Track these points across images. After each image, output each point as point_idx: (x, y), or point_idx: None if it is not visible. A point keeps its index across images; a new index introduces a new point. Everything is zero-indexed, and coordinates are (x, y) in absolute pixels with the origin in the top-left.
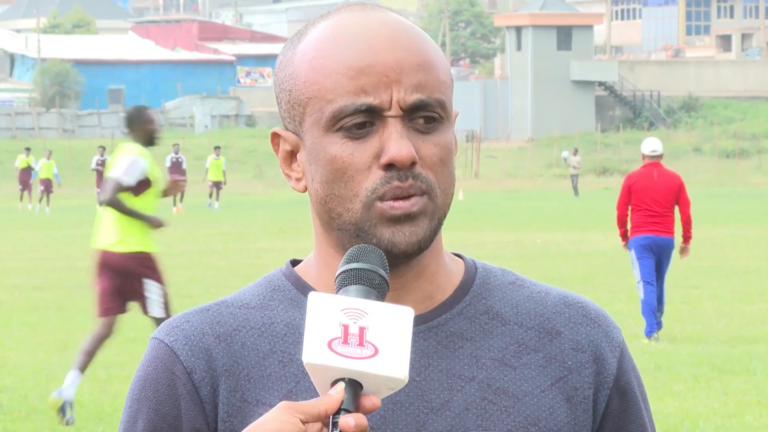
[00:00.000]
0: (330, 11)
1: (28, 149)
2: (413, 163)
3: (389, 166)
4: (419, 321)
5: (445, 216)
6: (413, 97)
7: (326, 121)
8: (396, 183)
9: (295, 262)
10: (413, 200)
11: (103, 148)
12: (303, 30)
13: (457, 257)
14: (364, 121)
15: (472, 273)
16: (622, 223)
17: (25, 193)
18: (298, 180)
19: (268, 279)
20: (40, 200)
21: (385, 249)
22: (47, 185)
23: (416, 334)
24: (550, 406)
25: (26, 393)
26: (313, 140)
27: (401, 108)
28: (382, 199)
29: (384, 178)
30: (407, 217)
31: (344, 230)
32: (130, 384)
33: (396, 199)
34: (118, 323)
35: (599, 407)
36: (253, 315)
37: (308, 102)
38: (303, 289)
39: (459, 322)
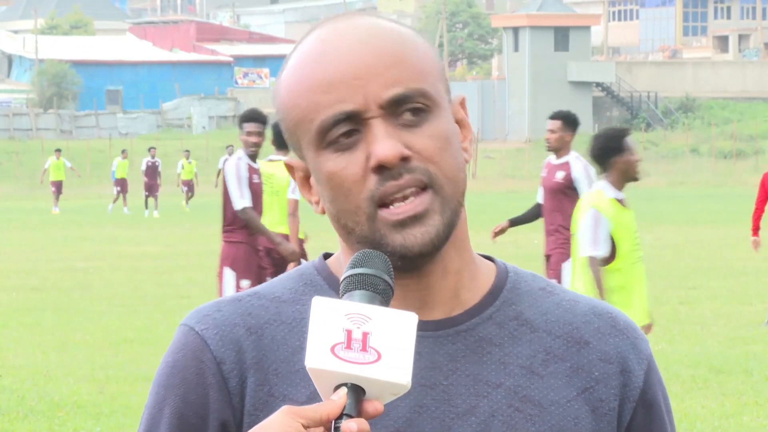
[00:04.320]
0: (309, 30)
1: (58, 150)
2: (406, 159)
3: (380, 168)
4: (447, 324)
5: (460, 205)
6: (389, 93)
7: (314, 140)
8: (391, 182)
9: (327, 255)
10: (417, 201)
11: (155, 149)
12: (286, 58)
13: (487, 260)
14: (348, 129)
15: (503, 277)
16: (754, 217)
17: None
18: (317, 203)
19: (300, 272)
20: (57, 201)
21: (400, 254)
22: (59, 186)
23: (444, 338)
24: (575, 416)
25: (24, 394)
26: (312, 162)
27: (380, 106)
28: (382, 204)
29: (378, 181)
30: (414, 219)
31: (361, 243)
32: (157, 369)
33: (395, 201)
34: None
35: (624, 420)
36: (285, 309)
37: (297, 126)
38: (335, 285)
39: (488, 327)
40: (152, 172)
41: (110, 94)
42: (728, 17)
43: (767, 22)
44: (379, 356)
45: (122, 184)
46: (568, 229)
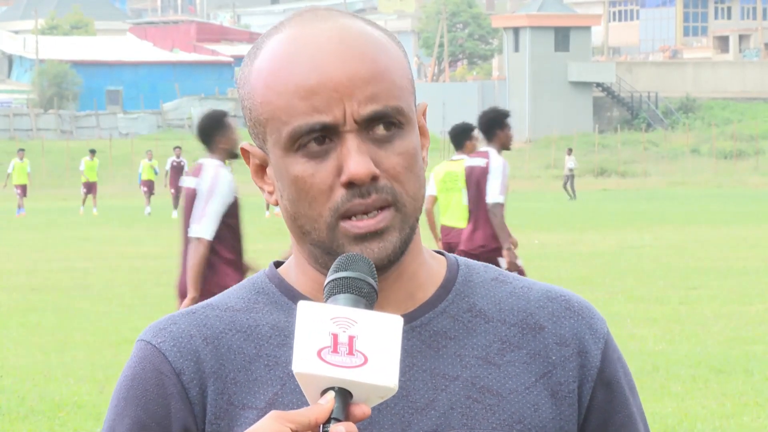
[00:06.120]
0: (283, 21)
1: (92, 151)
2: (375, 177)
3: (350, 184)
4: (403, 321)
5: (417, 220)
6: (367, 110)
7: (284, 142)
8: (358, 200)
9: (278, 264)
10: (379, 217)
11: (180, 149)
12: (259, 43)
13: (438, 255)
14: (320, 136)
15: (454, 271)
16: None
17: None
18: (270, 193)
19: (252, 281)
20: (84, 202)
21: None
22: (90, 187)
23: None
24: (534, 402)
25: (24, 394)
26: (276, 159)
27: (356, 122)
28: (345, 216)
29: (345, 196)
30: (374, 234)
31: (315, 246)
32: (116, 385)
33: (359, 217)
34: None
35: (584, 400)
36: (239, 318)
37: (266, 122)
38: (287, 292)
39: (442, 320)
40: (177, 171)
41: (110, 95)
42: (728, 17)
43: (767, 22)
44: (366, 360)
45: (149, 186)
46: None
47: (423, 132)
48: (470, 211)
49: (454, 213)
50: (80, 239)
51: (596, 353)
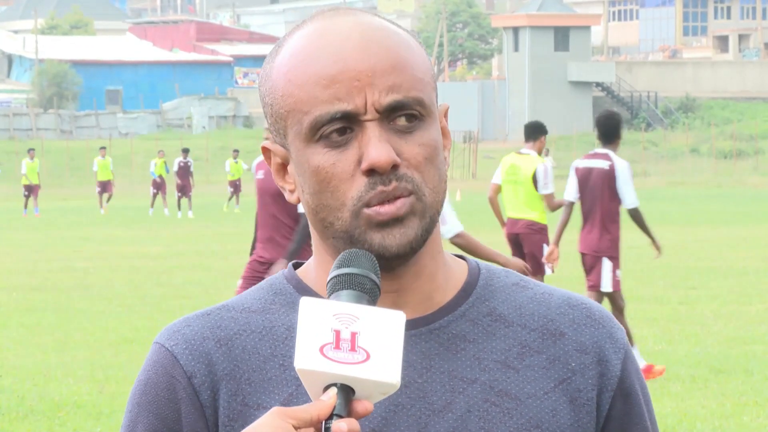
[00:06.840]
0: (305, 20)
1: (103, 148)
2: (395, 166)
3: (371, 172)
4: (421, 323)
5: (438, 213)
6: (388, 99)
7: (305, 132)
8: (380, 188)
9: (297, 265)
10: (399, 203)
11: (187, 150)
12: (280, 42)
13: (459, 259)
14: (342, 126)
15: (475, 275)
16: None
17: (104, 195)
18: (291, 192)
19: (270, 282)
20: (108, 200)
21: (377, 253)
22: (105, 186)
23: (418, 336)
24: (553, 408)
25: (24, 394)
26: (297, 152)
27: (377, 111)
28: (368, 205)
29: (368, 185)
30: (396, 221)
31: (338, 238)
32: (131, 388)
33: (382, 203)
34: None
35: (603, 409)
36: (254, 319)
37: (287, 115)
38: (304, 292)
39: (461, 324)
40: (184, 172)
41: (110, 94)
42: (728, 17)
43: (767, 22)
44: (368, 356)
45: (160, 182)
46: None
47: (444, 133)
48: (585, 213)
49: (520, 204)
50: (80, 239)
51: (616, 363)
